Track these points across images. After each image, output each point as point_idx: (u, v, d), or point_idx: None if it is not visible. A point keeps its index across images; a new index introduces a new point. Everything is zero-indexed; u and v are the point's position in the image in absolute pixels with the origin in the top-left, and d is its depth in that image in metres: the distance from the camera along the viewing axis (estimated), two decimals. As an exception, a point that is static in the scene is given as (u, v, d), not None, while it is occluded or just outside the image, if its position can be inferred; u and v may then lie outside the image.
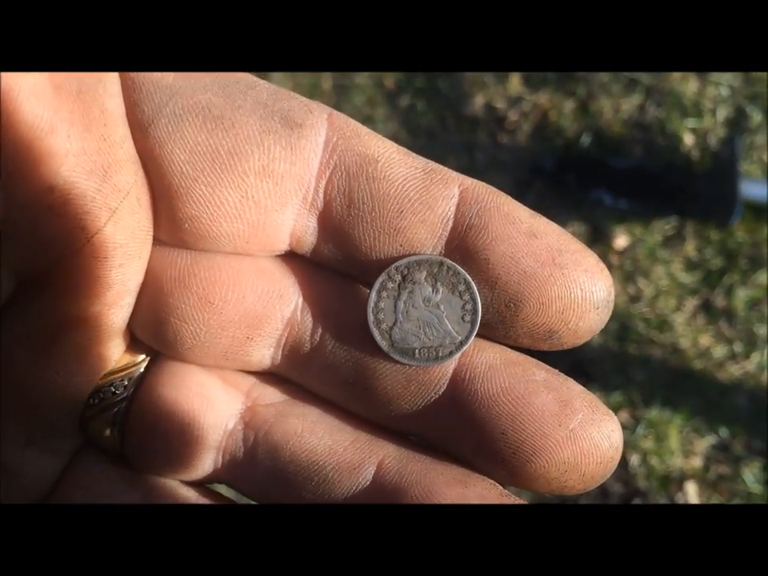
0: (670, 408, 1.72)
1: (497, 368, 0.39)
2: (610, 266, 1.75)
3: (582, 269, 0.37)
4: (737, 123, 1.97)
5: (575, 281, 0.37)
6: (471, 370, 0.39)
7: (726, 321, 1.81)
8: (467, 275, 0.38)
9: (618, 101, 2.00)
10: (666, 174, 1.95)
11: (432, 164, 0.39)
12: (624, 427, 1.62)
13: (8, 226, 0.34)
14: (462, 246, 0.38)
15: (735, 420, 1.72)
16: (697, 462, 1.68)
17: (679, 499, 1.61)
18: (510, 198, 0.39)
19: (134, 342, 0.42)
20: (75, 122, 0.35)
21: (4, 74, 0.33)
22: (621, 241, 1.87)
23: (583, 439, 0.37)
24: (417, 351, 0.39)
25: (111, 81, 0.37)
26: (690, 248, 1.87)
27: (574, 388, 0.38)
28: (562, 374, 0.39)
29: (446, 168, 0.39)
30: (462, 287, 0.38)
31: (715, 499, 1.64)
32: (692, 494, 1.63)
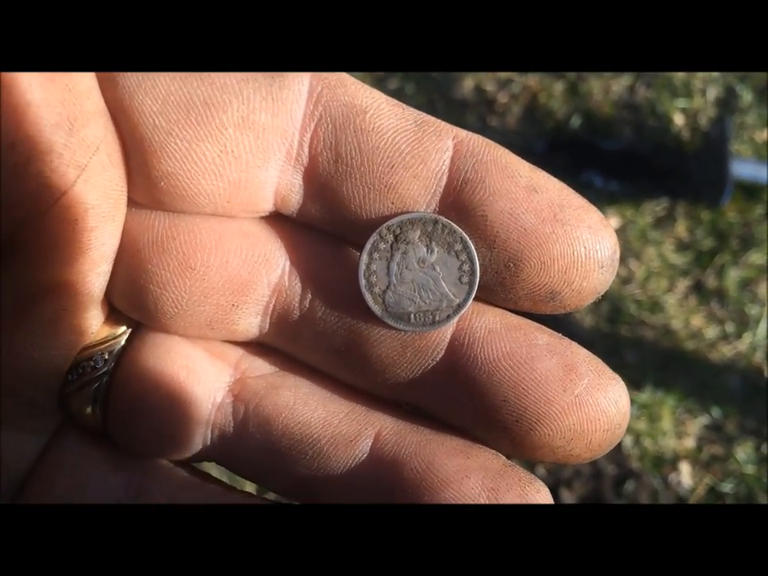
0: (663, 389, 1.71)
1: (497, 332, 0.37)
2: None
3: (585, 225, 0.35)
4: (727, 103, 1.97)
5: (578, 238, 0.35)
6: (470, 334, 0.37)
7: (717, 301, 1.81)
8: (464, 233, 0.36)
9: (607, 82, 1.99)
10: (657, 155, 1.94)
11: (424, 115, 0.37)
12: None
13: None
14: (458, 203, 0.36)
15: (728, 400, 1.71)
16: (690, 443, 1.68)
17: (672, 480, 1.60)
18: (507, 150, 0.37)
19: (113, 312, 0.40)
20: (36, 72, 0.32)
21: None
22: (612, 222, 1.85)
23: (589, 405, 0.36)
24: (412, 316, 0.37)
25: None
26: (681, 229, 1.86)
27: (578, 352, 0.37)
28: (566, 338, 0.37)
29: (438, 120, 0.37)
30: (458, 246, 0.36)
31: (708, 480, 1.63)
32: (685, 474, 1.63)
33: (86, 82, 0.34)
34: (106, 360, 0.39)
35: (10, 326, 0.36)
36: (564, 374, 0.36)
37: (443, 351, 0.37)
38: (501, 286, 0.37)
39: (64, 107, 0.33)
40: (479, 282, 0.36)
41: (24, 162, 0.32)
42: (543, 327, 0.37)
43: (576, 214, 0.35)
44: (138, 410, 0.39)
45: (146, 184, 0.36)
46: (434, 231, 0.36)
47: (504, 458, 0.38)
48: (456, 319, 0.37)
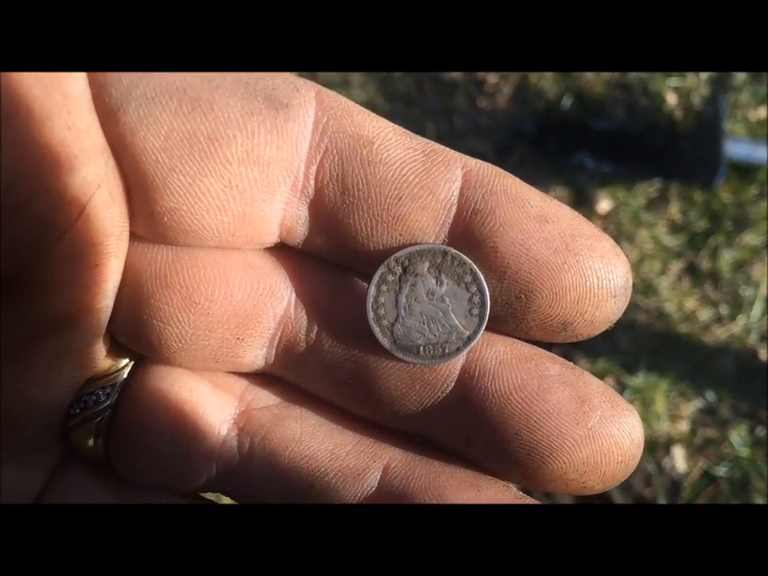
0: (656, 373, 1.71)
1: (508, 363, 0.36)
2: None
3: (597, 254, 0.35)
4: (720, 81, 1.96)
5: (591, 268, 0.35)
6: (480, 366, 0.36)
7: (711, 283, 1.81)
8: (474, 265, 0.35)
9: (598, 61, 1.97)
10: (649, 135, 1.94)
11: (432, 144, 0.36)
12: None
13: None
14: (468, 234, 0.35)
15: (721, 383, 1.72)
16: (683, 427, 1.68)
17: (666, 464, 1.61)
18: (517, 179, 0.36)
19: (115, 345, 0.39)
20: (34, 110, 0.31)
21: None
22: (604, 205, 1.85)
23: (603, 438, 0.35)
24: (421, 348, 0.36)
25: None
26: (674, 210, 1.86)
27: (591, 382, 0.36)
28: (577, 367, 0.37)
29: (447, 148, 0.36)
30: (468, 278, 0.36)
31: (702, 463, 1.64)
32: (679, 458, 1.64)
33: (85, 119, 0.33)
34: (108, 394, 0.39)
35: (11, 363, 0.35)
36: (577, 407, 0.35)
37: (453, 383, 0.37)
38: (512, 316, 0.36)
39: (63, 147, 0.32)
40: (489, 313, 0.36)
41: (25, 201, 0.31)
42: (555, 356, 0.37)
43: (588, 243, 0.35)
44: (142, 444, 0.39)
45: (148, 219, 0.35)
46: (443, 263, 0.36)
47: (515, 489, 0.37)
48: (466, 351, 0.36)
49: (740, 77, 1.95)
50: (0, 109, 0.30)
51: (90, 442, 0.39)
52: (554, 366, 0.36)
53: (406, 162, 0.35)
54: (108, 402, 0.39)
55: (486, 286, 0.36)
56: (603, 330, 0.37)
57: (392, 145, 0.35)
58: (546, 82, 1.96)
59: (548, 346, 0.38)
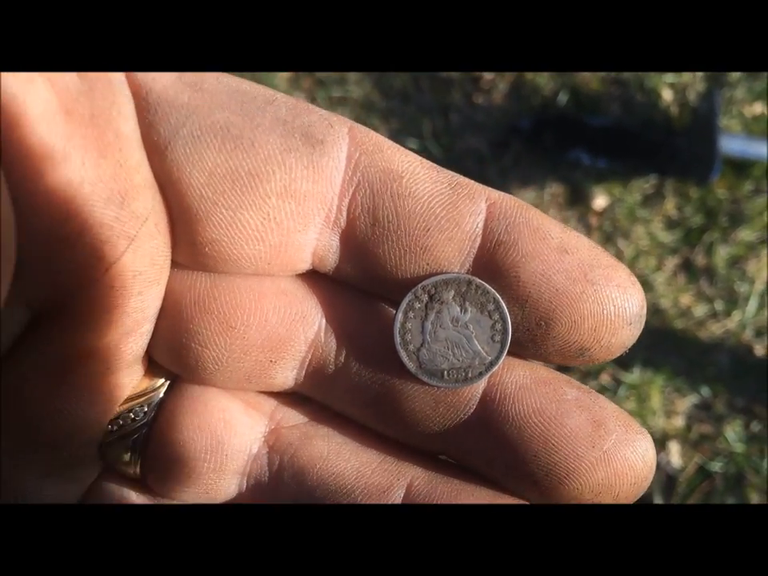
0: (652, 369, 1.73)
1: (527, 388, 0.38)
2: (589, 228, 1.75)
3: (614, 284, 0.37)
4: (716, 78, 1.97)
5: (608, 297, 0.37)
6: (501, 390, 0.38)
7: (706, 279, 1.82)
8: (496, 294, 0.37)
9: (595, 58, 1.97)
10: (645, 132, 1.95)
11: (458, 177, 0.38)
12: (606, 389, 1.64)
13: (23, 257, 0.33)
14: (491, 264, 0.37)
15: (717, 379, 1.74)
16: (679, 422, 1.70)
17: (662, 459, 1.63)
18: (538, 211, 0.38)
19: (152, 365, 0.41)
20: (89, 149, 0.33)
21: (11, 100, 0.31)
22: (600, 201, 1.87)
23: (617, 460, 0.37)
24: (445, 372, 0.38)
25: (124, 103, 0.35)
26: (670, 206, 1.87)
27: (606, 407, 0.38)
28: (593, 391, 0.38)
29: (472, 181, 0.38)
30: (491, 306, 0.37)
31: (698, 458, 1.66)
32: (675, 453, 1.66)
33: (136, 156, 0.35)
34: (145, 412, 0.40)
35: (52, 385, 0.37)
36: (593, 430, 0.37)
37: (475, 406, 0.38)
38: (532, 342, 0.38)
39: (116, 182, 0.34)
40: (511, 339, 0.38)
41: (76, 235, 0.33)
42: (572, 380, 0.39)
43: (605, 273, 0.37)
44: (176, 461, 0.40)
45: (190, 249, 0.37)
46: (467, 291, 0.37)
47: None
48: (488, 376, 0.38)
49: (735, 73, 1.96)
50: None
51: (126, 457, 0.41)
52: (571, 390, 0.38)
53: (433, 195, 0.37)
54: (144, 420, 0.40)
55: (507, 313, 0.37)
56: (618, 354, 0.38)
57: (420, 178, 0.37)
58: (541, 78, 1.97)
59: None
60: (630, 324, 0.37)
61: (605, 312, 0.37)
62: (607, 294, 0.37)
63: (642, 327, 0.38)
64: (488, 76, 1.98)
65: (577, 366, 0.39)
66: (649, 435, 0.38)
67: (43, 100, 0.32)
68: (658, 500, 1.58)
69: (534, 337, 0.38)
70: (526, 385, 0.38)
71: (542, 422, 0.37)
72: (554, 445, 0.37)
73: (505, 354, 0.38)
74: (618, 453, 0.37)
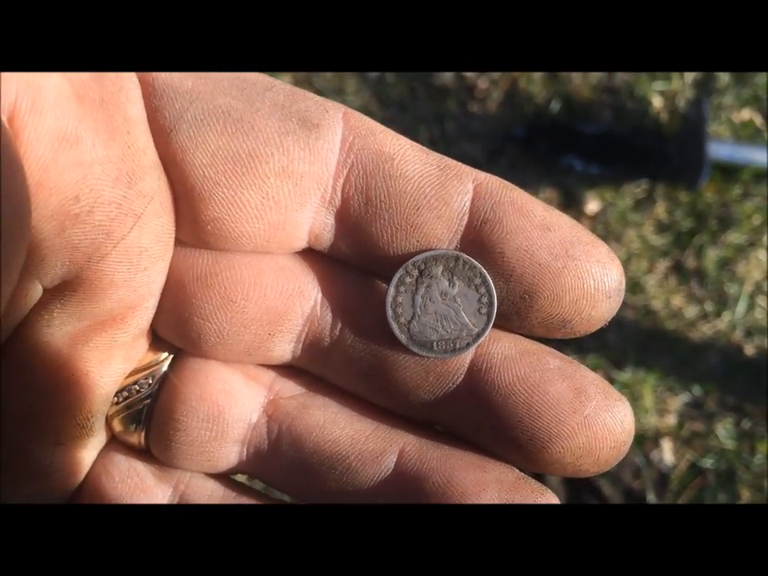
0: (644, 368, 1.75)
1: (512, 358, 0.40)
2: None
3: (594, 259, 0.39)
4: (704, 84, 1.99)
5: (588, 271, 0.38)
6: (487, 360, 0.40)
7: (697, 281, 1.84)
8: (483, 269, 0.39)
9: (586, 65, 1.99)
10: (636, 138, 1.97)
11: (446, 159, 0.40)
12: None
13: (35, 235, 0.35)
14: (478, 240, 0.39)
15: (708, 378, 1.75)
16: (671, 420, 1.72)
17: (654, 457, 1.65)
18: (522, 191, 0.40)
19: (156, 340, 0.43)
20: (100, 131, 0.35)
21: (28, 86, 0.33)
22: (592, 206, 1.89)
23: (597, 425, 0.39)
24: (435, 343, 0.40)
25: (132, 89, 0.37)
26: (661, 210, 1.89)
27: (587, 375, 0.40)
28: (575, 362, 0.40)
29: (459, 163, 0.40)
30: (477, 281, 0.39)
31: (689, 456, 1.68)
32: (667, 451, 1.67)
33: (143, 138, 0.37)
34: (150, 384, 0.42)
35: (64, 358, 0.39)
36: (574, 397, 0.39)
37: (463, 376, 0.40)
38: (516, 315, 0.40)
39: (124, 163, 0.36)
40: (497, 312, 0.40)
41: (87, 212, 0.35)
42: (554, 351, 0.40)
43: (586, 249, 0.39)
44: (180, 430, 0.42)
45: (193, 227, 0.39)
46: (455, 267, 0.40)
47: (517, 470, 0.41)
48: (475, 347, 0.40)
49: (723, 80, 1.98)
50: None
51: (132, 428, 0.43)
52: (553, 360, 0.40)
53: (423, 175, 0.39)
54: (149, 392, 0.42)
55: (493, 287, 0.39)
56: (598, 327, 0.40)
57: (410, 160, 0.39)
58: (534, 86, 1.99)
59: (547, 342, 0.42)
60: (609, 297, 0.39)
61: (585, 286, 0.38)
62: (587, 268, 0.38)
63: (621, 301, 0.40)
64: (482, 85, 2.00)
65: (559, 338, 0.41)
66: (627, 402, 0.40)
67: (57, 86, 0.34)
68: (651, 496, 1.59)
69: (518, 309, 0.40)
70: (511, 355, 0.40)
71: (525, 390, 0.39)
72: (537, 411, 0.39)
73: (491, 325, 0.40)
74: (598, 418, 0.39)
